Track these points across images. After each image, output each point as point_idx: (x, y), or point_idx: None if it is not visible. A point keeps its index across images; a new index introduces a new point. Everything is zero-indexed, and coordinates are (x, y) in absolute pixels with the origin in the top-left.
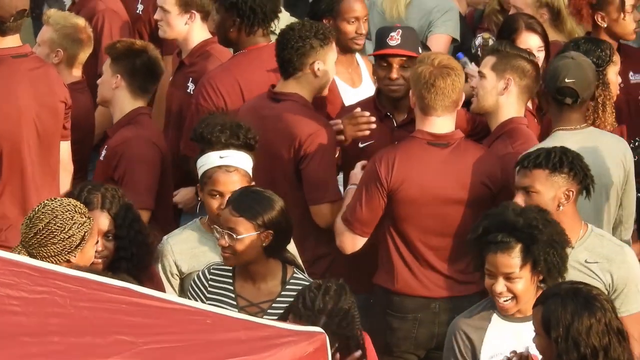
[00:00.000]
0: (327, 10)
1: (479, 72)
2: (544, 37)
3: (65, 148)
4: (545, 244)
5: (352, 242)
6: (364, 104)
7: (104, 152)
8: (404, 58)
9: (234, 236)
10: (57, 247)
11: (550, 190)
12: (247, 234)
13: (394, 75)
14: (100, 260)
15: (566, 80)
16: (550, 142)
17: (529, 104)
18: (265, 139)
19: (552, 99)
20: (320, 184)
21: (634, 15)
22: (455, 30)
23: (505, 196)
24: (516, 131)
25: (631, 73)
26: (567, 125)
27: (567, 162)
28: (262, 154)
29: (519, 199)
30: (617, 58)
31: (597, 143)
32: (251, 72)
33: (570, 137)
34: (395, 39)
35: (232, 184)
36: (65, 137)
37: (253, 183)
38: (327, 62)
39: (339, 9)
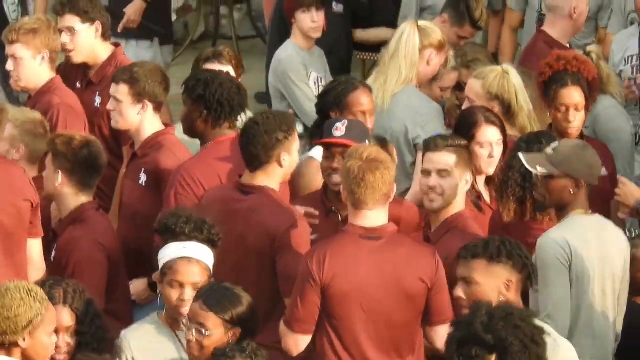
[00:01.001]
0: (335, 103)
1: (442, 170)
2: (503, 130)
3: (36, 246)
4: (518, 352)
5: (295, 342)
6: (310, 198)
7: (53, 253)
8: (346, 149)
9: (203, 332)
10: (2, 326)
11: (490, 281)
12: (215, 330)
13: (335, 165)
14: (62, 357)
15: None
16: (571, 225)
17: (487, 198)
18: (237, 232)
19: (587, 186)
20: (295, 277)
21: (570, 115)
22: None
23: None
24: (465, 225)
25: None
26: (583, 209)
27: (505, 251)
28: (233, 247)
29: (460, 291)
30: None
31: (606, 229)
32: (227, 162)
33: (587, 221)
34: (340, 129)
35: (192, 275)
36: (35, 235)
37: (212, 279)
38: (291, 152)
39: (345, 103)
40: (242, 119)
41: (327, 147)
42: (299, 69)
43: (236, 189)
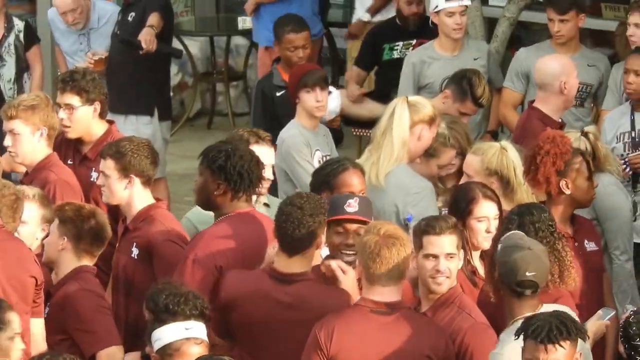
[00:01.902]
0: (324, 184)
1: (450, 254)
2: (499, 205)
3: (38, 326)
4: None
5: None
6: (313, 272)
7: (47, 310)
8: (360, 225)
9: None
10: None
11: (570, 358)
12: None
13: (351, 241)
14: None
15: (527, 274)
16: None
17: (482, 272)
18: (289, 321)
19: (510, 290)
20: None
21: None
22: (436, 213)
23: None
24: (461, 300)
25: (586, 241)
26: (526, 313)
27: (579, 325)
28: (283, 336)
29: None
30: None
31: None
32: (248, 235)
33: None
34: (353, 205)
35: (198, 355)
36: (38, 314)
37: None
38: (324, 232)
39: (335, 183)
40: None
41: (341, 224)
42: (301, 149)
43: (273, 278)
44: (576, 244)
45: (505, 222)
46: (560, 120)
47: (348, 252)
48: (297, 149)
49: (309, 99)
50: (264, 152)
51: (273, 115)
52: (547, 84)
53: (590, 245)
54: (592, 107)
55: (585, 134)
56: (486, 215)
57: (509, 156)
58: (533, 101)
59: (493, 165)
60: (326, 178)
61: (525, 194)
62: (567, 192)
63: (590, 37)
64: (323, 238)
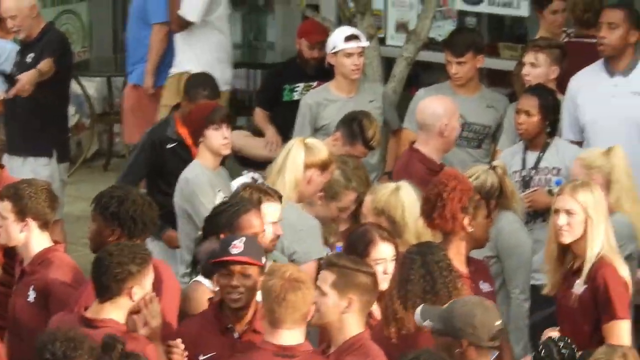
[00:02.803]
0: (226, 225)
1: (318, 287)
2: (396, 247)
3: None
4: None
5: None
6: (202, 316)
7: None
8: (245, 266)
9: None
10: None
11: None
12: None
13: (235, 282)
14: None
15: (496, 324)
16: None
17: (377, 315)
18: None
19: (478, 347)
20: None
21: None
22: (321, 251)
23: None
24: (365, 347)
25: (481, 282)
26: None
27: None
28: None
29: None
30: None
31: None
32: None
33: None
34: (238, 247)
35: None
36: None
37: None
38: (143, 285)
39: (237, 224)
40: None
41: (225, 265)
42: (207, 190)
43: (80, 321)
44: (473, 284)
45: (408, 262)
46: (440, 162)
47: (233, 294)
48: (201, 189)
49: (216, 136)
50: (272, 209)
51: (158, 166)
52: (429, 124)
53: (484, 286)
54: (490, 149)
55: (493, 168)
56: (384, 257)
57: (399, 197)
58: (414, 142)
59: (380, 205)
60: (229, 220)
61: (413, 236)
62: (470, 229)
63: (488, 77)
64: (137, 290)
